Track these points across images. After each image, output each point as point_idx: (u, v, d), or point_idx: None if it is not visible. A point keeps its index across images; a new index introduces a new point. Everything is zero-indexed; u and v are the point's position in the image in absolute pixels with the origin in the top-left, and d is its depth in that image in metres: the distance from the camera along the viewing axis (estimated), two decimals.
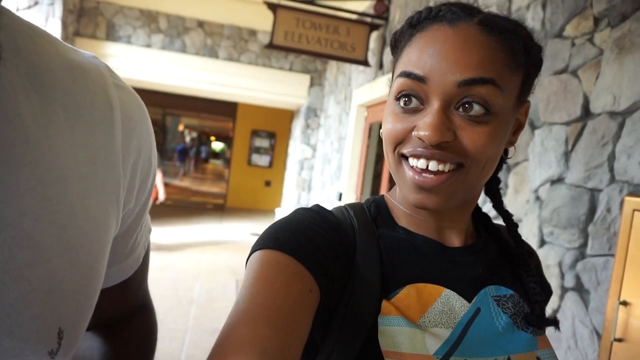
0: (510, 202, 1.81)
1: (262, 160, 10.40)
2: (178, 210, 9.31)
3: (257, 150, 10.33)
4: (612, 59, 1.35)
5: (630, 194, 1.26)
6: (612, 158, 1.33)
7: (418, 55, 0.50)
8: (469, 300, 0.56)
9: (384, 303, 0.52)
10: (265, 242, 0.49)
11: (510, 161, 1.84)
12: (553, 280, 1.51)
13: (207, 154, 19.52)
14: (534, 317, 0.57)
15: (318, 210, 0.56)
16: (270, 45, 3.76)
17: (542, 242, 1.58)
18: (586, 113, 1.45)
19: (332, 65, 5.84)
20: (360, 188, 4.44)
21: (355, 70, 4.60)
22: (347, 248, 0.53)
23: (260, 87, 6.24)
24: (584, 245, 1.41)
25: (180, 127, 15.56)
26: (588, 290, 1.38)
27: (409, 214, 0.59)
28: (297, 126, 6.94)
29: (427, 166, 0.50)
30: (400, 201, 0.60)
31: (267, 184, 10.48)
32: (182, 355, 3.09)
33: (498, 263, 0.62)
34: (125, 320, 0.61)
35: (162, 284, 4.49)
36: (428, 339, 0.51)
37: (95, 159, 0.40)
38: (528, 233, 1.66)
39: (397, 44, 0.57)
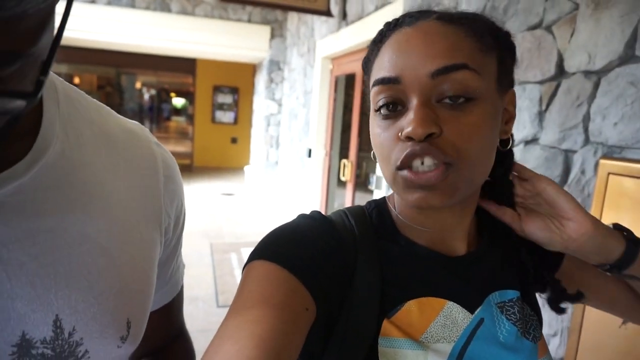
0: None
1: (226, 117, 10.13)
2: None
3: (221, 106, 10.03)
4: (588, 15, 1.30)
5: (605, 156, 1.25)
6: (586, 119, 1.31)
7: (387, 60, 0.50)
8: (473, 311, 0.55)
9: (385, 323, 0.51)
10: (265, 253, 0.48)
11: None
12: None
13: (169, 112, 18.85)
14: (537, 284, 0.59)
15: (320, 219, 0.55)
16: None
17: None
18: (561, 72, 1.41)
19: (293, 15, 5.57)
20: (329, 143, 4.38)
21: (318, 20, 4.40)
22: (347, 263, 0.52)
23: (218, 41, 5.93)
24: None
25: (138, 85, 14.85)
26: None
27: (410, 225, 0.57)
28: (260, 81, 6.70)
29: (422, 162, 0.48)
30: (401, 212, 0.59)
31: (234, 141, 10.28)
32: None
33: (503, 264, 0.60)
34: (168, 346, 0.71)
35: None
36: (431, 358, 0.50)
37: (145, 196, 0.54)
38: None
39: (368, 65, 0.56)
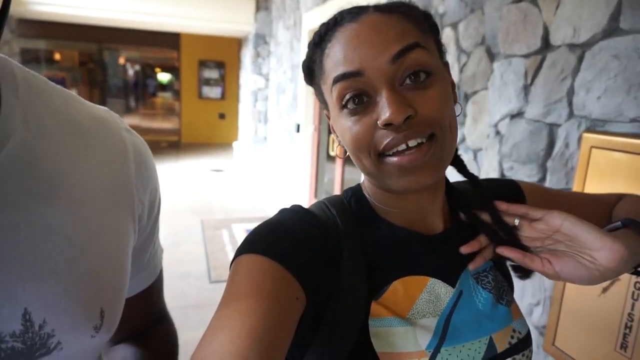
0: (469, 132, 1.81)
1: (213, 92, 9.99)
2: None
3: (207, 82, 9.88)
4: None
5: (588, 129, 1.27)
6: (571, 92, 1.32)
7: (342, 56, 0.51)
8: (454, 285, 0.58)
9: (373, 305, 0.53)
10: (253, 246, 0.49)
11: (468, 90, 1.81)
12: None
13: (155, 88, 18.48)
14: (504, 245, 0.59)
15: (302, 212, 0.56)
16: None
17: (502, 177, 1.61)
18: (546, 45, 1.41)
19: None
20: (317, 118, 4.36)
21: None
22: (333, 252, 0.54)
23: (202, 15, 5.79)
24: (542, 179, 1.44)
25: (121, 61, 14.51)
26: None
27: (388, 209, 0.59)
28: (247, 55, 6.59)
29: (407, 145, 0.50)
30: (376, 198, 0.60)
31: (222, 116, 10.17)
32: None
33: (474, 236, 0.62)
34: (150, 329, 0.71)
35: None
36: (419, 333, 0.53)
37: (115, 184, 0.53)
38: (489, 167, 1.68)
39: (311, 68, 0.57)
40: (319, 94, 0.59)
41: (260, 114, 6.33)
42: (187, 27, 6.65)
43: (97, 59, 10.41)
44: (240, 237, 4.47)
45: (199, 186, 6.55)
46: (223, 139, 10.07)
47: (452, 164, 0.64)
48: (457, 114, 0.57)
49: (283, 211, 0.57)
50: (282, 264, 0.47)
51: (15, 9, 5.40)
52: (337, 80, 0.51)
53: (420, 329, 0.53)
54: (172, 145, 10.07)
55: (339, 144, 0.59)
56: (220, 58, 9.72)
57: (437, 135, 0.51)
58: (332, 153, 3.93)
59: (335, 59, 0.52)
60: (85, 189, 0.49)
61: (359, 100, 0.51)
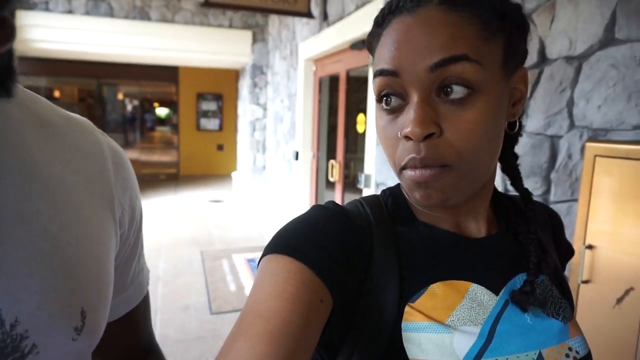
0: None
1: (211, 124, 10.08)
2: None
3: (205, 114, 9.98)
4: (567, 1, 1.32)
5: (591, 139, 1.26)
6: (570, 104, 1.33)
7: (386, 52, 0.49)
8: (497, 293, 0.54)
9: (407, 308, 0.50)
10: (277, 246, 0.48)
11: None
12: None
13: (153, 122, 18.68)
14: (531, 265, 0.56)
15: (333, 208, 0.54)
16: (206, 4, 3.50)
17: (506, 192, 1.59)
18: (543, 59, 1.42)
19: (274, 19, 5.56)
20: (316, 145, 4.37)
21: (299, 22, 4.40)
22: (363, 252, 0.51)
23: (200, 48, 5.89)
24: (547, 192, 1.43)
25: (120, 96, 14.70)
26: None
27: (424, 211, 0.57)
28: (244, 86, 6.68)
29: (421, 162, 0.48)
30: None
31: (220, 147, 10.22)
32: (156, 336, 3.04)
33: (522, 247, 0.59)
34: None
35: None
36: (457, 341, 0.49)
37: (91, 180, 0.50)
38: None
39: (371, 46, 0.55)
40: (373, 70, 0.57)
41: (258, 144, 6.36)
42: (185, 60, 6.76)
43: (97, 95, 10.54)
44: (241, 267, 4.41)
45: (198, 217, 6.51)
46: (222, 169, 10.09)
47: (506, 174, 0.62)
48: (514, 130, 0.54)
49: (314, 208, 0.54)
50: (307, 264, 0.45)
51: (17, 47, 5.49)
52: (376, 74, 0.50)
53: (459, 336, 0.49)
54: (170, 177, 10.07)
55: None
56: (218, 90, 9.85)
57: (453, 167, 0.47)
58: (331, 179, 3.93)
59: (382, 51, 0.50)
60: (60, 181, 0.46)
61: (393, 100, 0.49)
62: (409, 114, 0.47)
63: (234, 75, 8.13)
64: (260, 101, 6.24)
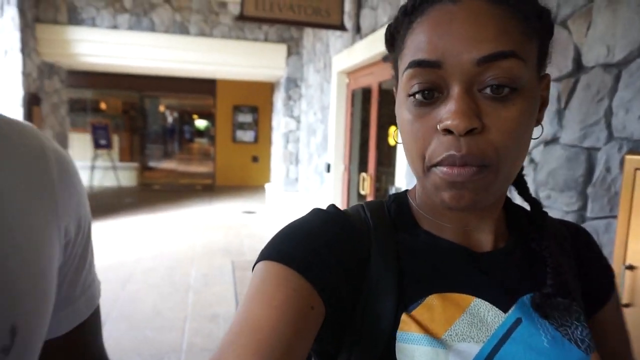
0: None
1: (246, 136, 10.26)
2: (167, 194, 9.19)
3: (241, 126, 10.17)
4: (604, 7, 1.25)
5: (631, 151, 1.18)
6: (609, 114, 1.25)
7: (425, 41, 0.45)
8: (505, 311, 0.50)
9: (404, 317, 0.48)
10: (269, 252, 0.47)
11: None
12: None
13: (192, 134, 19.22)
14: (542, 298, 0.51)
15: (332, 212, 0.53)
16: (241, 17, 3.58)
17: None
18: (578, 67, 1.35)
19: (309, 32, 5.62)
20: (348, 158, 4.35)
21: (333, 35, 4.42)
22: (358, 255, 0.50)
23: (236, 61, 6.03)
24: (583, 207, 1.34)
25: (161, 108, 15.22)
26: None
27: (431, 219, 0.54)
28: (279, 98, 6.76)
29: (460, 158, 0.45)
30: (422, 205, 0.55)
31: (255, 159, 10.37)
32: (183, 344, 3.05)
33: (535, 264, 0.54)
34: None
35: (156, 272, 4.43)
36: (453, 358, 0.46)
37: (32, 184, 0.48)
38: None
39: (395, 37, 0.51)
40: (394, 67, 0.53)
41: (291, 156, 6.40)
42: (222, 73, 6.92)
43: (139, 107, 10.93)
44: None
45: (231, 228, 6.58)
46: (256, 181, 10.21)
47: (513, 184, 0.58)
48: (536, 137, 0.52)
49: (314, 211, 0.53)
50: (297, 270, 0.44)
51: (65, 61, 5.79)
52: (412, 65, 0.46)
53: (455, 354, 0.46)
54: (206, 188, 10.27)
55: (397, 128, 0.53)
56: (254, 102, 10.03)
57: (490, 167, 0.45)
58: (362, 192, 3.88)
59: (418, 40, 0.46)
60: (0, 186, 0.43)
61: (429, 94, 0.45)
62: (449, 106, 0.43)
63: (269, 88, 8.26)
64: (294, 114, 6.29)
